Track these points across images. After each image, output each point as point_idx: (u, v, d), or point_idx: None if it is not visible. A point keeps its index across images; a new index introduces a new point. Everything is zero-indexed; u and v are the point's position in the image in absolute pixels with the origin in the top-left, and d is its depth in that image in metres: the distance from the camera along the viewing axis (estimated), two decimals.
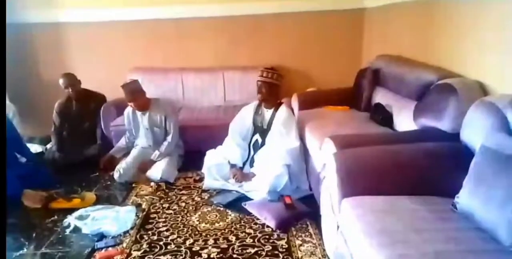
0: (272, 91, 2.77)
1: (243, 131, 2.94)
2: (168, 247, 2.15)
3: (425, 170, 1.69)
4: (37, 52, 3.98)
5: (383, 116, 2.64)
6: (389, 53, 3.21)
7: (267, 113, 2.86)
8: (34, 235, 2.33)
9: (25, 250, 2.18)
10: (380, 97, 2.92)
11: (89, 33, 3.93)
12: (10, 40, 3.81)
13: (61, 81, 3.28)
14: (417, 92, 2.38)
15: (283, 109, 2.80)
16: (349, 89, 3.32)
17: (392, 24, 3.35)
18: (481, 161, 1.41)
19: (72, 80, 3.31)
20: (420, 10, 2.81)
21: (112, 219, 2.36)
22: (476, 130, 1.65)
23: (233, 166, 2.84)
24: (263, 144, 2.86)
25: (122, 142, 3.28)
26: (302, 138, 2.80)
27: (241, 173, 2.79)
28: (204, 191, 2.81)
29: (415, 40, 2.93)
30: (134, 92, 3.00)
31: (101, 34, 3.94)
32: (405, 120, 2.44)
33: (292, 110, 3.39)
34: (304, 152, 2.75)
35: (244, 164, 2.90)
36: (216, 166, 2.84)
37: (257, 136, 2.92)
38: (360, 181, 1.67)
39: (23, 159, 3.07)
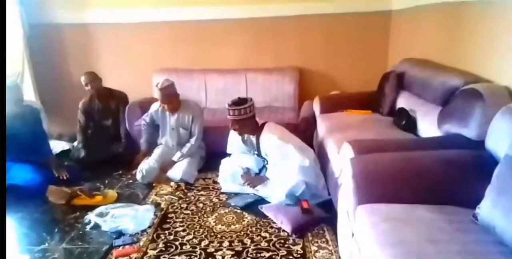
0: (245, 124, 2.69)
1: (243, 150, 2.95)
2: (184, 247, 2.16)
3: (445, 179, 1.62)
4: (67, 52, 4.11)
5: (406, 121, 2.57)
6: (416, 57, 3.12)
7: (252, 139, 2.81)
8: (56, 230, 2.40)
9: (46, 244, 2.24)
10: (404, 101, 2.84)
11: (117, 34, 4.03)
12: (41, 41, 3.96)
13: (82, 78, 3.37)
14: (442, 97, 2.31)
15: (265, 136, 2.68)
16: (372, 92, 3.25)
17: (419, 27, 3.26)
18: (504, 171, 1.35)
19: (91, 77, 3.37)
20: (449, 12, 2.71)
21: (131, 218, 2.40)
22: (501, 138, 1.58)
23: (247, 170, 2.83)
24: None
25: (143, 136, 3.32)
26: (321, 142, 2.76)
27: (252, 178, 2.77)
28: (222, 192, 2.82)
29: (442, 43, 2.83)
30: (170, 96, 3.03)
31: (128, 35, 4.03)
32: (429, 126, 2.36)
33: (314, 113, 3.36)
34: (322, 157, 2.70)
35: (260, 170, 2.88)
36: (231, 175, 2.83)
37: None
38: (376, 187, 1.63)
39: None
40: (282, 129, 2.77)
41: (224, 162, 2.97)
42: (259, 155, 2.83)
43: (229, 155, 3.04)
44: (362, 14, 3.86)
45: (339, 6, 3.84)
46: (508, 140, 1.50)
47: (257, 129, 2.74)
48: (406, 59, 3.16)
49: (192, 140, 3.15)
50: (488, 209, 1.35)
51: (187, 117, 3.15)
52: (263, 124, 2.76)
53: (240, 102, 2.64)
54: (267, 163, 2.84)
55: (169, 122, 3.20)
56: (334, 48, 3.99)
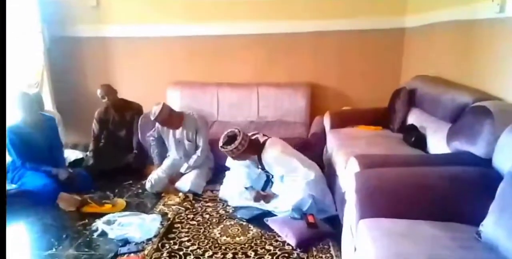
0: (242, 155, 2.69)
1: (247, 164, 2.89)
2: (187, 257, 2.17)
3: (450, 195, 1.61)
4: (85, 64, 4.23)
5: (416, 138, 2.55)
6: (429, 74, 3.12)
7: (254, 158, 2.78)
8: (64, 236, 2.44)
9: (53, 250, 2.28)
10: (415, 118, 2.83)
11: (134, 47, 4.13)
12: (60, 53, 4.09)
13: (98, 91, 3.46)
14: (452, 114, 2.30)
15: (268, 152, 2.67)
16: (384, 109, 3.24)
17: (432, 44, 3.26)
18: (506, 188, 1.33)
19: (107, 90, 3.46)
20: (461, 31, 2.72)
21: (137, 226, 2.43)
22: (508, 156, 1.56)
23: (251, 188, 2.79)
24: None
25: (155, 150, 3.35)
26: (330, 157, 2.75)
27: (261, 194, 2.74)
28: (229, 204, 2.82)
29: (454, 61, 2.83)
30: (166, 120, 3.10)
31: (144, 49, 4.13)
32: (438, 143, 2.34)
33: (324, 129, 3.37)
34: (331, 172, 2.69)
35: (265, 184, 2.88)
36: (238, 194, 2.80)
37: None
38: (379, 202, 1.62)
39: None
40: (285, 144, 2.76)
41: (225, 183, 2.96)
42: (263, 169, 2.83)
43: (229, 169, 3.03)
44: (375, 32, 3.88)
45: (353, 23, 3.87)
46: None
47: (257, 150, 2.71)
48: (418, 76, 3.16)
49: (198, 152, 3.18)
50: (491, 226, 1.33)
51: (191, 130, 3.18)
52: (265, 142, 2.74)
53: (230, 139, 2.62)
54: (272, 177, 2.84)
55: (173, 136, 3.24)
56: (347, 64, 4.01)
